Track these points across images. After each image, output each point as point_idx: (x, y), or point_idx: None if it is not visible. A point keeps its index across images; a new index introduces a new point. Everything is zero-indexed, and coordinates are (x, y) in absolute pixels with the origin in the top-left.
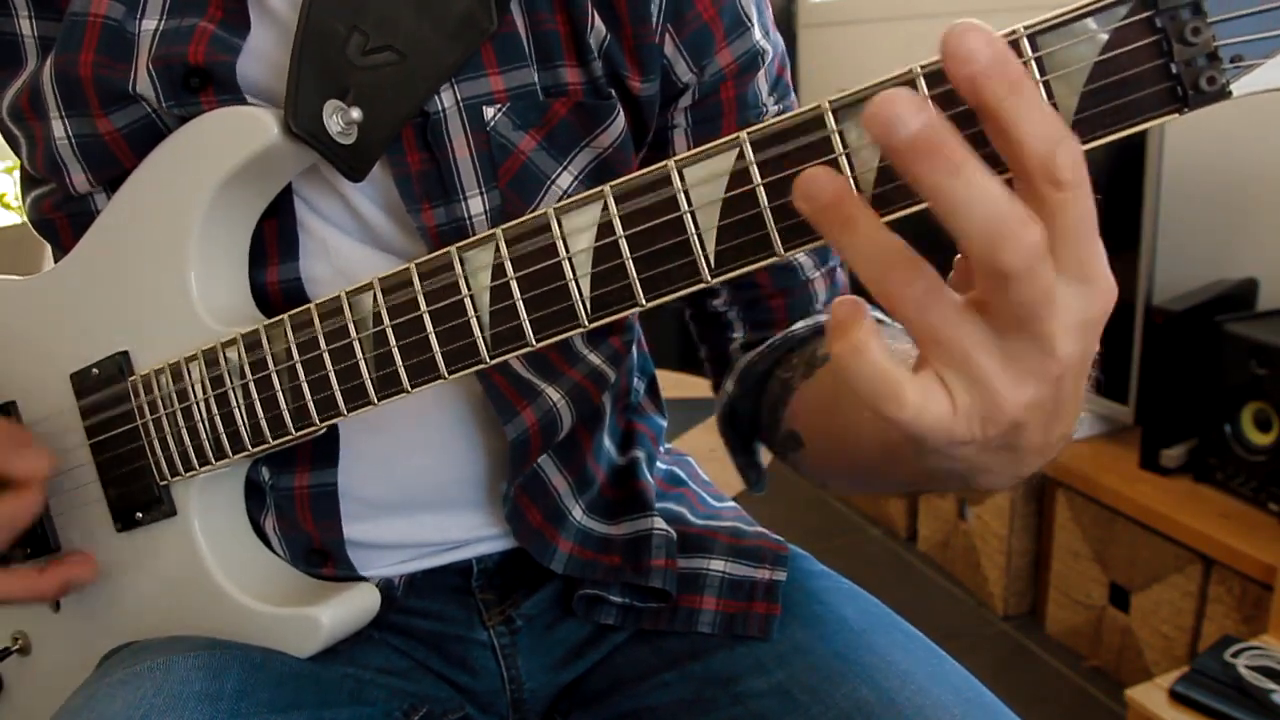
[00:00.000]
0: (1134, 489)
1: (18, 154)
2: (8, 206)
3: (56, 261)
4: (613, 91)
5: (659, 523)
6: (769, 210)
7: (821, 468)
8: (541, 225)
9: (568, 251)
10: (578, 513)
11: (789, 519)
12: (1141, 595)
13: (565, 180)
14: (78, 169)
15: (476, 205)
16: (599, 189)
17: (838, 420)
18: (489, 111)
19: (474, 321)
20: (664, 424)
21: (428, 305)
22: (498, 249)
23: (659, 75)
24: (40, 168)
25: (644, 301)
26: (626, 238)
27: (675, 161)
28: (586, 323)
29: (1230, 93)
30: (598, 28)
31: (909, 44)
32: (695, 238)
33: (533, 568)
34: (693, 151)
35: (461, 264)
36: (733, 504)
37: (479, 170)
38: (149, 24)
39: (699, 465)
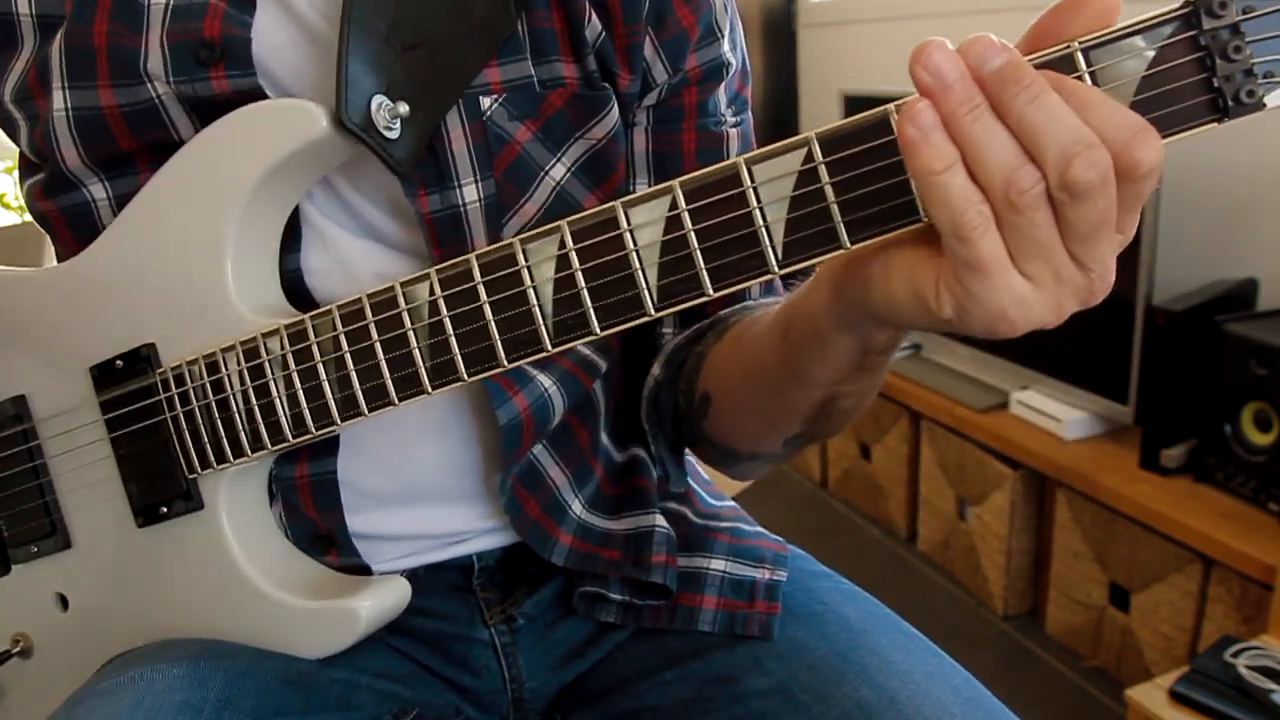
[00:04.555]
0: (1134, 489)
1: (17, 141)
2: (8, 206)
3: (59, 256)
4: (607, 85)
5: (660, 520)
6: (837, 206)
7: (727, 418)
8: (608, 218)
9: (635, 243)
10: (577, 506)
11: (789, 519)
12: (1141, 595)
13: (558, 171)
14: (69, 144)
15: (471, 193)
16: (667, 184)
17: (739, 351)
18: (485, 101)
19: (536, 311)
20: None
21: (488, 295)
22: (562, 240)
23: (641, 75)
24: (38, 144)
25: (711, 291)
26: (695, 231)
27: (745, 159)
28: (654, 311)
29: (1265, 104)
30: (594, 23)
31: (909, 44)
32: (764, 231)
33: (534, 565)
34: (761, 150)
35: (525, 255)
36: (732, 503)
37: (474, 159)
38: None
39: (699, 465)
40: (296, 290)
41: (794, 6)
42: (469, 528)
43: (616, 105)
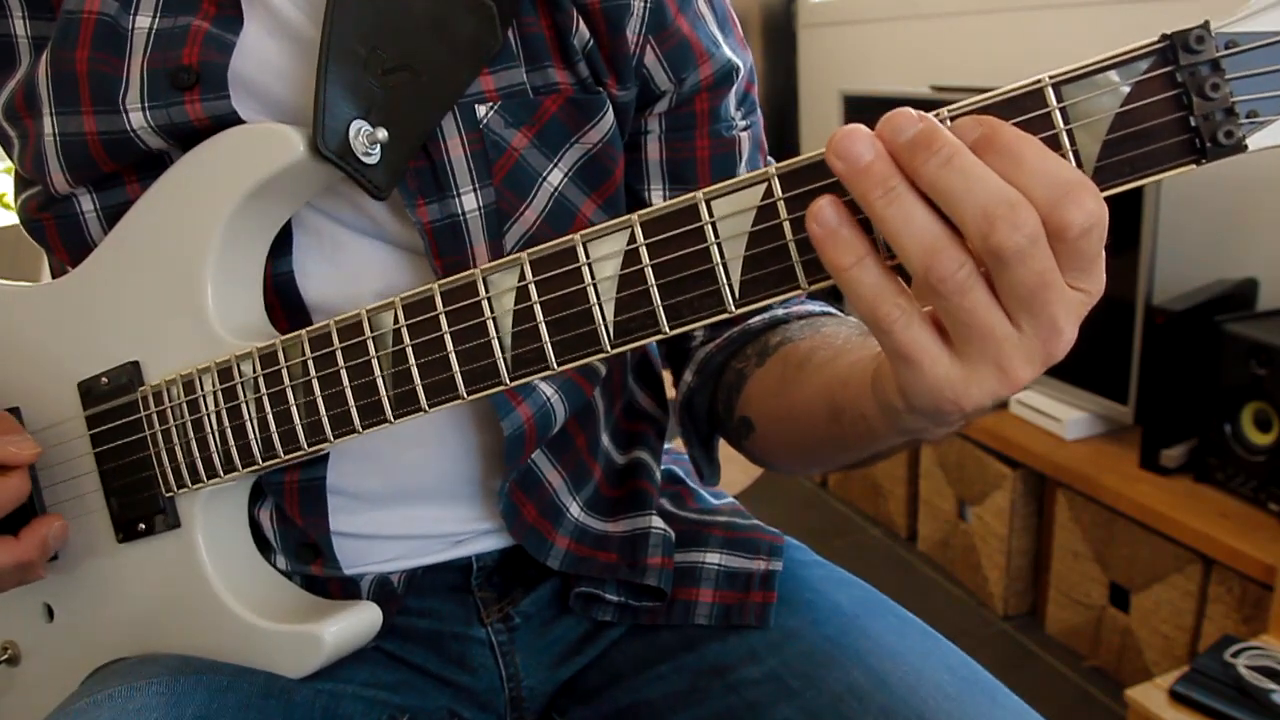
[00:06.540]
0: (1134, 489)
1: (10, 156)
2: (7, 207)
3: (52, 268)
4: (600, 89)
5: (657, 522)
6: (795, 244)
7: (770, 449)
8: (567, 250)
9: (593, 277)
10: (575, 509)
11: (789, 519)
12: (1141, 595)
13: (555, 177)
14: (57, 168)
15: (470, 202)
16: (626, 217)
17: (786, 398)
18: (481, 110)
19: (495, 343)
20: (667, 424)
21: (449, 325)
22: (522, 272)
23: (635, 84)
24: (28, 166)
25: (667, 329)
26: (652, 266)
27: (704, 193)
28: (609, 348)
29: (1246, 146)
30: (581, 31)
31: (909, 44)
32: (721, 268)
33: (531, 565)
34: (720, 184)
35: (485, 286)
36: (731, 500)
37: (473, 168)
38: (143, 20)
39: None
40: (289, 294)
41: (794, 6)
42: (466, 529)
43: (612, 109)
